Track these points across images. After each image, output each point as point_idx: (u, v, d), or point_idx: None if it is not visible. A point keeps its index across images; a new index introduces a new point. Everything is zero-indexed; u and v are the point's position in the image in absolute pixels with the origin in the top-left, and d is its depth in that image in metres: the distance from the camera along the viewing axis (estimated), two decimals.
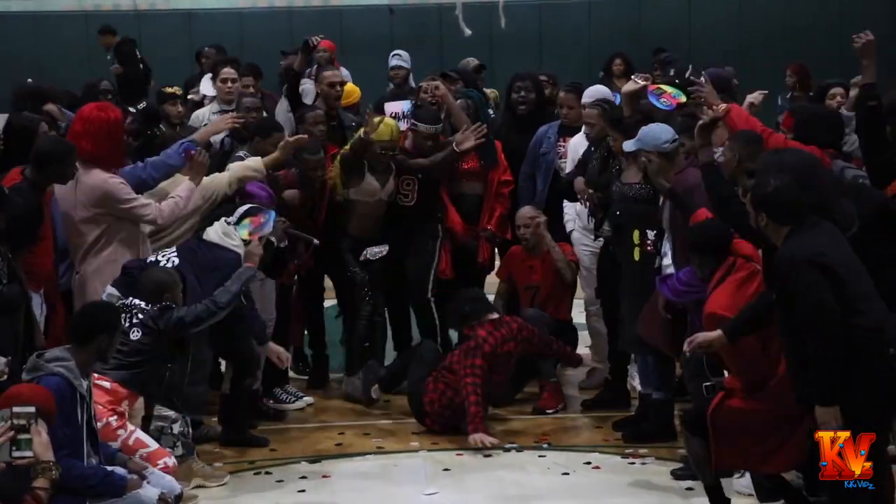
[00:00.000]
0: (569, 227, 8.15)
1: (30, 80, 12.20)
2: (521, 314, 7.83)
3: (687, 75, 6.77)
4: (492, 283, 8.55)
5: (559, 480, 6.59)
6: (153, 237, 6.96)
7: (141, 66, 14.59)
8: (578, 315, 8.42)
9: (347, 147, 7.99)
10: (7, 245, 5.98)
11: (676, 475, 6.48)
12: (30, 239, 6.30)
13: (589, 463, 6.81)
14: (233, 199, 7.18)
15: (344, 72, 9.80)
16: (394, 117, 8.19)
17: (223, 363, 7.41)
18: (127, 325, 5.98)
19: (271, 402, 7.85)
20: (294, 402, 7.93)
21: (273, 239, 7.06)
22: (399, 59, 10.54)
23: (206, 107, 9.28)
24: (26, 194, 6.27)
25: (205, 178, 7.08)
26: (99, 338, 5.26)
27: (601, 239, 7.60)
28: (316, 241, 7.66)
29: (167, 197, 6.85)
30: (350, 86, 9.43)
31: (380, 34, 17.86)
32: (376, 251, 7.93)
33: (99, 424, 5.41)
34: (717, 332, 5.38)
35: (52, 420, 4.63)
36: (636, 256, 6.98)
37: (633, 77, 7.55)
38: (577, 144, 7.99)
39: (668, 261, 6.64)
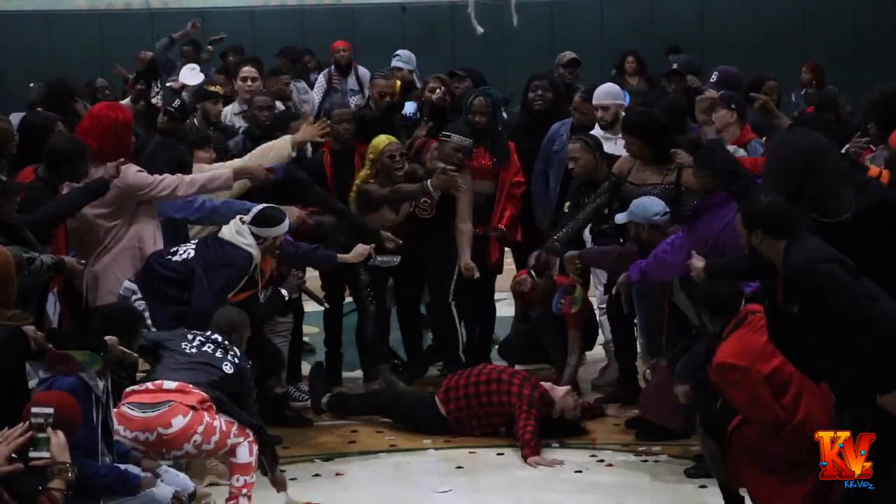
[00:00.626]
0: None
1: (32, 84, 12.18)
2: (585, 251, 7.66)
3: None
4: (500, 284, 8.54)
5: (572, 478, 6.59)
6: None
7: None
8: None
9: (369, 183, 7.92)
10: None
11: (689, 473, 6.48)
12: (42, 238, 6.31)
13: (602, 461, 6.82)
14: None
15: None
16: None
17: None
18: (220, 355, 6.06)
19: None
20: (307, 399, 7.94)
21: (285, 292, 7.09)
22: (399, 59, 10.14)
23: (228, 106, 9.27)
24: (39, 193, 6.29)
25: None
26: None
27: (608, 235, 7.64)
28: (326, 304, 7.81)
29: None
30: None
31: (392, 32, 17.85)
32: (386, 260, 7.90)
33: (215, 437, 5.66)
34: (701, 263, 5.60)
35: (74, 431, 4.64)
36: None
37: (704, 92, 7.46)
38: None
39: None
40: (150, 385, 5.81)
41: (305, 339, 8.70)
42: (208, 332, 6.17)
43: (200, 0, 18.73)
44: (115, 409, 5.43)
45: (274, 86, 9.42)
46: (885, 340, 4.64)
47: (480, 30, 15.30)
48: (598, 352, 8.48)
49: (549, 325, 7.85)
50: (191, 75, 10.09)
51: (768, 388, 5.33)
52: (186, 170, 6.97)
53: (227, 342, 6.13)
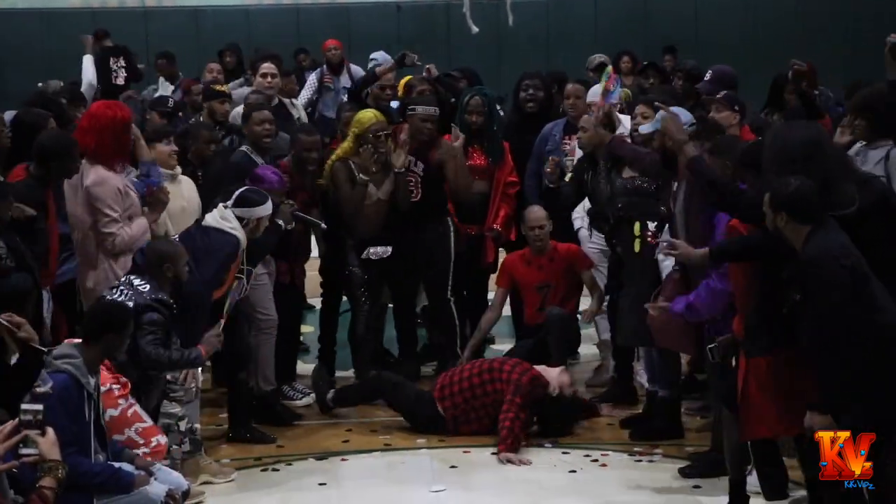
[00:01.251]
0: (576, 224, 8.14)
1: (40, 83, 12.18)
2: (548, 312, 7.77)
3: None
4: (494, 284, 8.53)
5: (566, 478, 6.59)
6: None
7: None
8: None
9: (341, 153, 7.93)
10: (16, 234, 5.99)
11: (684, 473, 6.47)
12: (34, 235, 6.31)
13: (596, 460, 6.81)
14: (240, 180, 7.15)
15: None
16: None
17: None
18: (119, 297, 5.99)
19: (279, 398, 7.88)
20: (301, 398, 7.93)
21: (280, 221, 7.07)
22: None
23: (239, 107, 9.24)
24: (30, 191, 6.27)
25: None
26: (108, 336, 5.26)
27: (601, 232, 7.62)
28: (324, 224, 7.67)
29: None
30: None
31: (387, 31, 17.85)
32: (380, 251, 7.90)
33: (102, 389, 5.40)
34: (702, 251, 5.53)
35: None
36: (637, 248, 7.00)
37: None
38: None
39: (668, 261, 6.62)
40: None
41: (301, 337, 8.68)
42: (130, 275, 6.13)
43: None
44: None
45: (286, 86, 9.44)
46: (841, 365, 4.71)
47: (475, 29, 15.30)
48: (592, 352, 8.48)
49: (559, 324, 7.82)
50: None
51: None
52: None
53: (132, 280, 6.08)
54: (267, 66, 9.03)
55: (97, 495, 5.04)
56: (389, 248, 7.91)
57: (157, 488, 5.24)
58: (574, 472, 6.66)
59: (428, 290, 8.31)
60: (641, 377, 7.66)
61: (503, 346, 8.69)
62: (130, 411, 5.75)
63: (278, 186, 7.20)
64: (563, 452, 6.93)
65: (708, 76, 8.66)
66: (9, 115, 7.48)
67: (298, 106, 9.26)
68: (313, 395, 7.96)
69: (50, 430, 4.33)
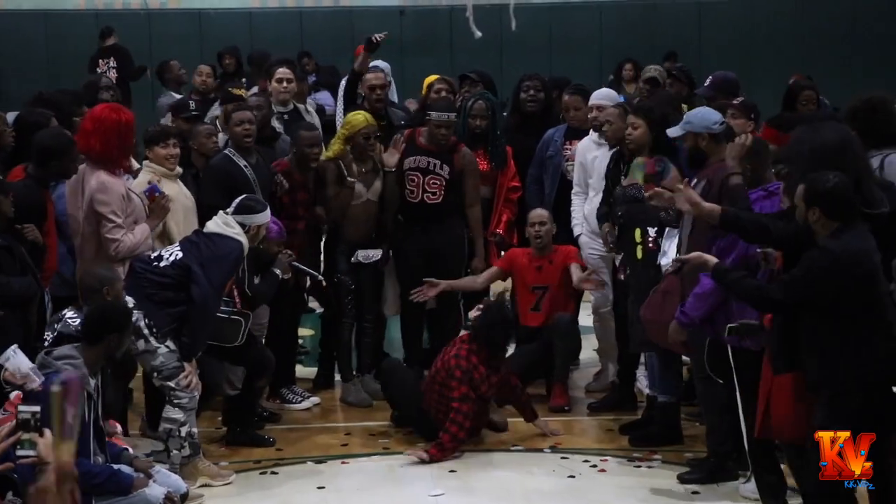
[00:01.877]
0: (576, 231, 8.12)
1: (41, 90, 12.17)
2: (556, 319, 7.77)
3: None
4: (496, 287, 8.54)
5: (565, 483, 6.59)
6: None
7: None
8: (585, 318, 8.42)
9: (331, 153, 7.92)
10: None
11: (683, 479, 6.47)
12: (38, 255, 6.31)
13: (595, 466, 6.81)
14: (218, 183, 7.25)
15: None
16: None
17: None
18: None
19: (277, 401, 7.88)
20: (300, 402, 7.93)
21: (278, 271, 7.09)
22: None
23: None
24: (29, 191, 6.28)
25: None
26: (109, 338, 5.27)
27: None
28: (320, 276, 7.70)
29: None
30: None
31: (390, 35, 17.82)
32: (369, 255, 7.90)
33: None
34: (714, 206, 5.49)
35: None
36: (639, 255, 7.01)
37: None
38: (584, 147, 7.99)
39: (666, 260, 6.63)
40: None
41: (300, 340, 8.69)
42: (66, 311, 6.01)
43: (198, 1, 18.72)
44: None
45: (300, 90, 9.43)
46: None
47: (479, 34, 15.30)
48: (591, 357, 8.48)
49: (567, 332, 7.83)
50: None
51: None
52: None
53: (65, 314, 5.94)
54: (283, 71, 8.94)
55: (96, 497, 5.04)
56: (380, 252, 7.91)
57: (155, 490, 5.25)
58: (573, 477, 6.66)
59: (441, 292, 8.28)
60: (642, 383, 7.66)
61: None
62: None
63: (277, 236, 7.22)
64: (563, 458, 6.94)
65: (708, 81, 8.67)
66: (11, 115, 7.49)
67: (312, 111, 9.22)
68: (313, 398, 7.97)
69: (47, 432, 4.33)
